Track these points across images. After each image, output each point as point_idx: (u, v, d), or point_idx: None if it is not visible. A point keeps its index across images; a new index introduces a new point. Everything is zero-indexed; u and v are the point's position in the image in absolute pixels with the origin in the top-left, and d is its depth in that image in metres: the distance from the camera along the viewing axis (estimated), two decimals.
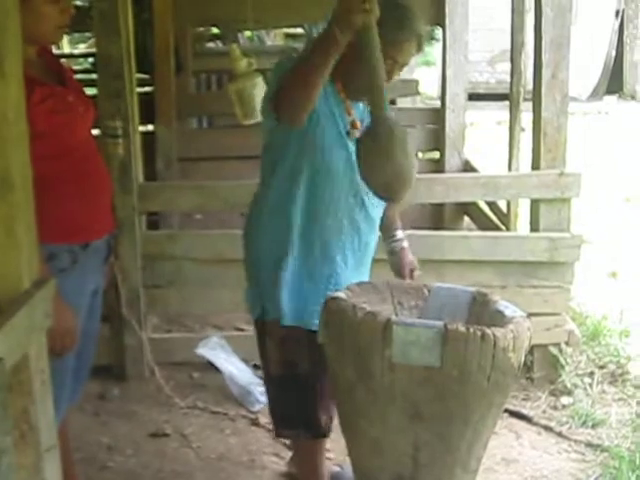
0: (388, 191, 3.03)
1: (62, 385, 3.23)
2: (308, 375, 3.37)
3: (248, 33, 11.52)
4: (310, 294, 3.31)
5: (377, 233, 3.53)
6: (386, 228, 3.69)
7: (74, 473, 3.71)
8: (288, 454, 4.13)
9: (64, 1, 3.16)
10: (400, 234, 3.70)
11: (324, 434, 3.54)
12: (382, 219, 3.58)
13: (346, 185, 3.27)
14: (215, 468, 4.23)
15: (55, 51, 11.72)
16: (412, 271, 3.63)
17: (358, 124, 3.29)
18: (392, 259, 3.69)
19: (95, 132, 4.51)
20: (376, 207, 3.41)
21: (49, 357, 2.45)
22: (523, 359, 2.93)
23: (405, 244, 3.69)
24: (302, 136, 3.20)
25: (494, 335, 2.78)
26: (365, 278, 3.48)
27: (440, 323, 2.81)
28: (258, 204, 3.41)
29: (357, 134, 3.21)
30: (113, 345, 5.02)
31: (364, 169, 3.00)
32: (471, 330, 2.76)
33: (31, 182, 2.41)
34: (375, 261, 3.61)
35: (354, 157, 3.11)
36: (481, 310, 3.22)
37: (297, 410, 3.47)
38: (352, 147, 3.21)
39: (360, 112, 3.37)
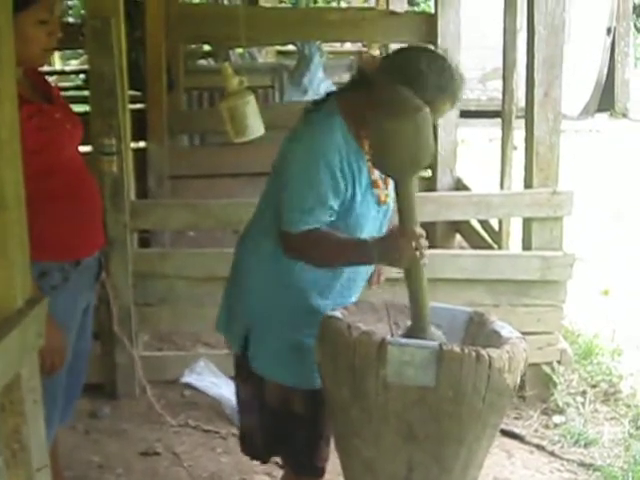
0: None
1: (53, 404, 3.22)
2: (305, 416, 3.27)
3: (240, 50, 11.53)
4: (307, 351, 3.17)
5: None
6: None
7: None
8: (280, 473, 4.10)
9: (51, 24, 3.16)
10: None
11: (318, 474, 3.42)
12: None
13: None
14: None
15: (46, 68, 11.77)
16: (380, 276, 3.57)
17: (380, 182, 3.18)
18: None
19: (86, 149, 4.52)
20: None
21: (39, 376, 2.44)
22: (519, 380, 2.92)
23: None
24: None
25: (489, 356, 2.77)
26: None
27: (435, 343, 2.80)
28: (254, 238, 3.29)
29: (382, 196, 3.19)
30: (104, 363, 5.00)
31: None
32: (466, 351, 2.76)
33: (24, 201, 2.40)
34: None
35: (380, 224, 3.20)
36: (477, 330, 3.20)
37: (294, 448, 3.34)
38: (380, 213, 3.22)
39: None
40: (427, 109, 2.84)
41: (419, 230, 2.92)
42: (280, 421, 3.28)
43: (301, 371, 3.20)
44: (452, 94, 3.04)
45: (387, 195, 3.22)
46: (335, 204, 3.04)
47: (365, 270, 3.31)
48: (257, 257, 3.24)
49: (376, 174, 3.15)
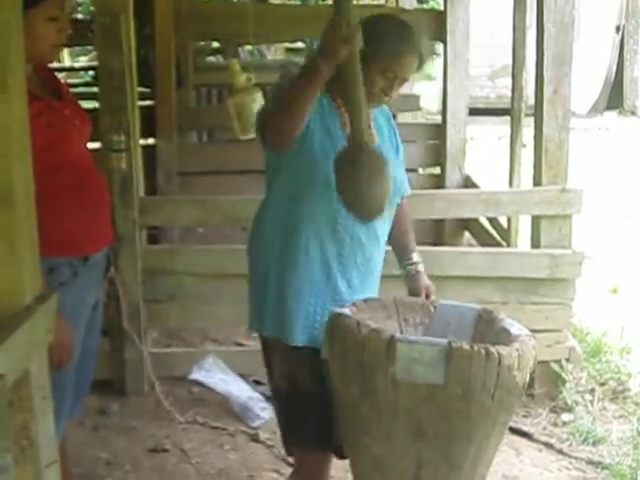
0: (362, 216, 3.11)
1: (62, 400, 3.22)
2: (312, 392, 3.33)
3: (249, 47, 11.53)
4: (315, 313, 3.27)
5: (383, 249, 3.49)
6: (401, 250, 3.65)
7: None
8: (288, 470, 4.10)
9: (61, 21, 3.16)
10: (415, 257, 3.63)
11: (331, 449, 3.42)
12: (396, 240, 3.59)
13: None
14: None
15: (55, 64, 11.77)
16: (428, 295, 3.59)
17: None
18: (408, 282, 3.64)
19: (96, 146, 4.52)
20: (382, 224, 3.39)
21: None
22: (528, 378, 2.91)
23: (421, 267, 3.61)
24: (296, 155, 3.20)
25: (499, 353, 2.76)
26: (372, 294, 3.45)
27: (444, 341, 2.80)
28: (261, 220, 3.39)
29: None
30: (113, 359, 5.00)
31: (342, 193, 3.04)
32: (475, 348, 2.75)
33: (33, 197, 2.40)
34: (382, 277, 3.59)
35: None
36: (486, 328, 3.20)
37: (302, 426, 3.38)
38: None
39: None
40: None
41: (340, 17, 2.90)
42: (289, 403, 3.37)
43: (309, 328, 3.26)
44: (413, 44, 3.20)
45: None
46: None
47: (367, 235, 3.35)
48: (264, 224, 3.36)
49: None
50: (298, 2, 17.35)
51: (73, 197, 3.26)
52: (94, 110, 5.00)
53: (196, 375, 5.00)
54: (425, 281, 3.58)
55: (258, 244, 3.38)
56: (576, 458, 4.46)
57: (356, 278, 3.33)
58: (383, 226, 3.40)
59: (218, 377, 5.00)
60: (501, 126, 10.41)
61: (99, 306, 3.55)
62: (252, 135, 4.52)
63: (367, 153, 3.02)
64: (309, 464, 3.52)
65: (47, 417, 2.41)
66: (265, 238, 3.34)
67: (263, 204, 3.42)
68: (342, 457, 3.40)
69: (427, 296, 3.54)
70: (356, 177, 2.99)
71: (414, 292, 3.58)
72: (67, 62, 15.71)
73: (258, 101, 4.50)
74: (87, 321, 3.39)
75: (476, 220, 6.79)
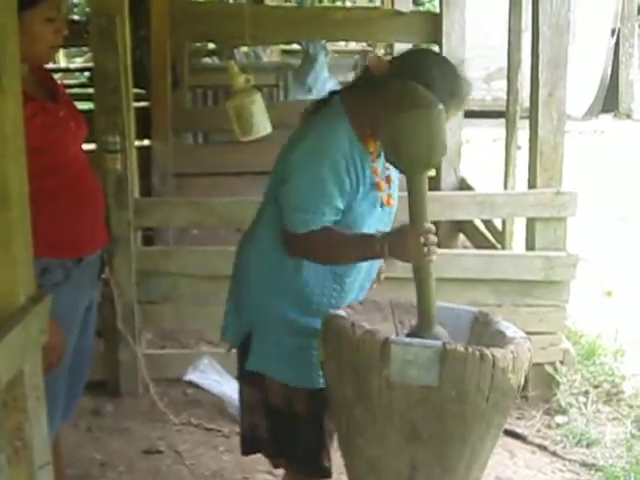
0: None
1: (56, 401, 3.22)
2: (309, 416, 3.26)
3: (245, 49, 11.53)
4: (309, 354, 3.19)
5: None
6: None
7: None
8: (281, 472, 4.09)
9: (58, 21, 3.16)
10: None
11: (326, 474, 3.38)
12: None
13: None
14: None
15: (51, 65, 11.76)
16: (380, 274, 3.56)
17: (383, 185, 3.18)
18: None
19: (91, 147, 4.52)
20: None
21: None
22: (523, 380, 2.92)
23: None
24: None
25: (493, 355, 2.76)
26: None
27: (439, 343, 2.80)
28: (251, 251, 3.28)
29: (385, 197, 3.20)
30: (107, 361, 5.00)
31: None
32: (470, 350, 2.75)
33: (27, 198, 2.40)
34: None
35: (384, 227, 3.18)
36: (482, 330, 3.20)
37: (297, 447, 3.32)
38: (384, 215, 3.23)
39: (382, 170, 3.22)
40: (441, 106, 2.85)
41: (428, 225, 2.92)
42: (284, 421, 3.28)
43: (303, 371, 3.20)
44: (460, 99, 3.03)
45: (391, 196, 3.22)
46: (341, 204, 3.04)
47: (369, 271, 3.31)
48: (258, 255, 3.24)
49: (379, 175, 3.15)
50: (294, 4, 17.38)
51: (67, 198, 3.26)
52: (89, 111, 5.00)
53: (191, 376, 4.99)
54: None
55: (253, 270, 3.28)
56: (570, 460, 4.47)
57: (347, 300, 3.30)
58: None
59: (213, 378, 4.99)
60: (496, 128, 10.40)
61: (93, 307, 3.55)
62: (252, 137, 4.54)
63: None
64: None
65: (41, 418, 2.41)
66: (257, 276, 3.25)
67: (253, 234, 3.31)
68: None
69: (379, 274, 3.49)
70: None
71: None
72: (63, 63, 15.70)
73: (257, 102, 4.50)
74: (81, 322, 3.39)
75: (471, 222, 6.79)
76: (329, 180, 2.99)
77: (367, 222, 3.14)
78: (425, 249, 2.88)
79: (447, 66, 3.05)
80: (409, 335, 3.03)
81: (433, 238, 2.91)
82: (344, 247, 3.05)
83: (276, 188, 3.16)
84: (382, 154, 3.12)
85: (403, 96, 2.85)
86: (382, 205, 3.19)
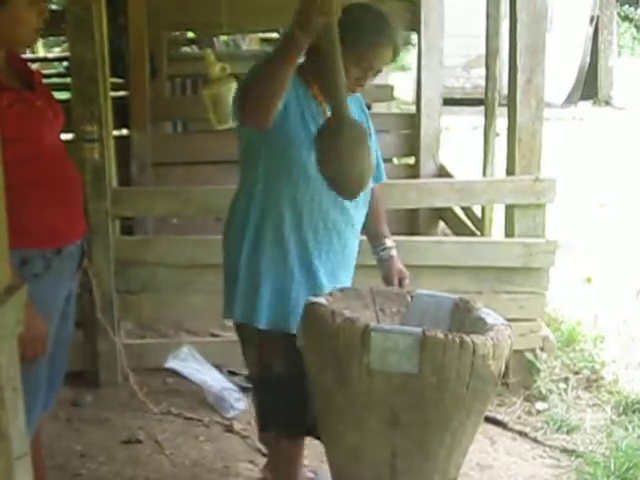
0: (344, 190, 3.09)
1: (35, 393, 3.20)
2: (284, 377, 3.35)
3: (224, 38, 11.49)
4: (287, 296, 3.31)
5: (358, 236, 3.51)
6: (374, 236, 3.68)
7: None
8: (262, 461, 4.11)
9: (40, 3, 3.15)
10: (389, 242, 3.67)
11: (305, 433, 3.51)
12: (369, 226, 3.60)
13: (320, 186, 3.23)
14: (189, 475, 4.20)
15: (29, 55, 11.68)
16: (401, 280, 3.60)
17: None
18: (381, 267, 3.66)
19: (68, 137, 4.49)
20: (357, 209, 3.40)
21: (20, 364, 2.42)
22: (503, 367, 2.92)
23: (394, 252, 3.65)
24: (272, 138, 3.20)
25: (473, 342, 2.77)
26: (346, 283, 3.46)
27: (418, 330, 2.80)
28: (235, 208, 3.41)
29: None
30: (86, 351, 4.98)
31: (324, 168, 3.03)
32: (450, 337, 2.75)
33: (3, 188, 2.38)
34: (358, 267, 3.60)
35: None
36: (463, 317, 3.21)
37: (275, 411, 3.46)
38: None
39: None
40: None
41: None
42: (263, 384, 3.44)
43: (283, 313, 3.32)
44: (389, 36, 3.21)
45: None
46: None
47: (340, 213, 3.37)
48: (239, 219, 3.37)
49: (328, 114, 3.23)
50: None
51: (46, 188, 3.24)
52: (68, 101, 4.97)
53: (171, 364, 4.97)
54: (398, 266, 3.61)
55: (232, 231, 3.40)
56: (550, 446, 4.48)
57: (332, 263, 3.34)
58: (358, 213, 3.41)
59: (193, 367, 4.98)
60: (476, 116, 10.40)
61: (72, 297, 3.53)
62: (228, 125, 4.53)
63: (348, 125, 3.01)
64: (282, 450, 3.55)
65: (18, 409, 2.39)
66: (239, 224, 3.36)
67: (237, 192, 3.43)
68: (317, 437, 3.43)
69: (400, 281, 3.56)
70: (338, 150, 2.98)
71: (387, 277, 3.60)
72: (41, 53, 15.62)
73: (233, 91, 4.49)
74: (60, 313, 3.37)
75: (450, 210, 6.80)
76: None
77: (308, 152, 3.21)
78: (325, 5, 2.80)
79: (376, 13, 3.27)
80: (323, 126, 3.08)
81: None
82: (271, 58, 3.01)
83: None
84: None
85: None
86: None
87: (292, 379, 3.31)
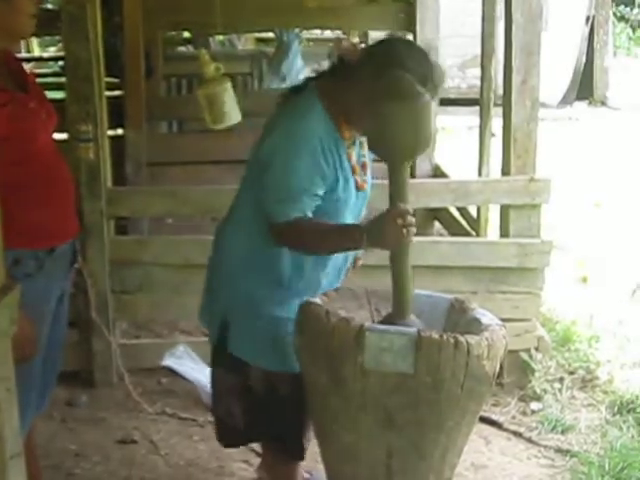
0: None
1: (29, 393, 3.20)
2: (291, 398, 3.27)
3: (220, 37, 11.48)
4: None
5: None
6: None
7: None
8: (257, 460, 4.10)
9: None
10: None
11: (302, 456, 3.45)
12: None
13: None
14: (183, 474, 4.20)
15: (24, 54, 11.69)
16: (357, 260, 3.56)
17: (358, 169, 3.19)
18: None
19: (63, 136, 4.49)
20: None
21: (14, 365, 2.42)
22: (498, 367, 2.92)
23: None
24: None
25: (467, 342, 2.77)
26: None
27: (413, 330, 2.80)
28: (229, 238, 3.31)
29: (359, 181, 3.18)
30: (81, 351, 4.97)
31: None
32: (444, 337, 2.76)
33: None
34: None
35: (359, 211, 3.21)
36: (458, 318, 3.21)
37: (280, 430, 3.35)
38: (359, 199, 3.22)
39: (358, 156, 3.23)
40: (428, 96, 2.85)
41: (405, 207, 2.91)
42: (266, 404, 3.29)
43: (286, 356, 3.20)
44: (434, 86, 2.99)
45: (365, 181, 3.22)
46: (320, 190, 3.04)
47: (346, 258, 3.31)
48: (237, 241, 3.26)
49: (354, 160, 3.15)
50: None
51: (38, 189, 3.24)
52: (62, 100, 4.97)
53: (167, 361, 4.96)
54: None
55: (227, 266, 3.32)
56: (545, 447, 4.48)
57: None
58: None
59: (189, 365, 4.97)
60: (472, 116, 10.40)
61: (66, 298, 3.53)
62: (223, 125, 4.52)
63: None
64: (282, 471, 3.52)
65: (12, 409, 2.39)
66: (234, 261, 3.27)
67: (231, 219, 3.34)
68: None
69: (356, 260, 3.49)
70: None
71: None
72: (36, 52, 15.61)
73: (228, 91, 4.49)
74: (53, 313, 3.37)
75: (446, 210, 6.79)
76: (306, 167, 3.00)
77: (346, 208, 3.16)
78: (404, 230, 2.87)
79: (420, 53, 3.02)
80: (382, 322, 3.03)
81: (411, 219, 2.90)
82: (324, 236, 3.05)
83: (252, 175, 3.17)
84: (357, 141, 3.14)
85: (388, 85, 2.84)
86: (357, 189, 3.18)
87: (300, 400, 3.25)
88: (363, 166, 3.22)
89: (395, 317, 3.02)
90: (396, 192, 2.93)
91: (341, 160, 3.10)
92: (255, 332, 3.22)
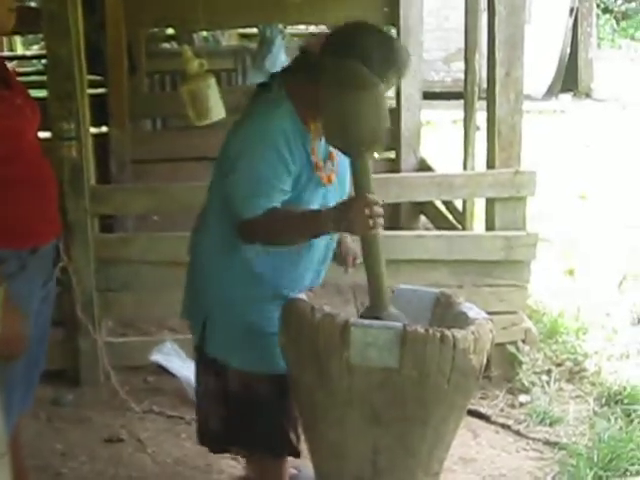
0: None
1: (12, 392, 3.18)
2: (269, 399, 3.26)
3: (204, 33, 11.45)
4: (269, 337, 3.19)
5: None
6: None
7: None
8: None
9: None
10: None
11: (295, 452, 3.41)
12: None
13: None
14: (171, 473, 4.19)
15: (7, 53, 11.62)
16: (354, 259, 3.54)
17: (321, 164, 3.15)
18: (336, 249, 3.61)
19: (46, 135, 4.46)
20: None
21: None
22: (485, 360, 2.91)
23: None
24: None
25: (453, 337, 2.76)
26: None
27: (399, 324, 2.79)
28: (204, 244, 3.31)
29: (324, 177, 3.16)
30: (67, 349, 4.95)
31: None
32: (430, 331, 2.75)
33: None
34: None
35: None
36: (445, 312, 3.20)
37: (262, 431, 3.31)
38: (329, 193, 3.19)
39: (323, 150, 3.20)
40: (382, 84, 2.85)
41: (373, 197, 2.90)
42: (244, 407, 3.26)
43: (262, 356, 3.19)
44: (399, 68, 2.99)
45: (333, 173, 3.21)
46: (286, 186, 3.03)
47: (325, 255, 3.29)
48: (210, 242, 3.26)
49: (317, 156, 3.13)
50: None
51: (22, 188, 3.22)
52: (45, 98, 4.94)
53: (155, 357, 4.94)
54: (351, 245, 3.49)
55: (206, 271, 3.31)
56: (533, 439, 4.48)
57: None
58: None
59: (176, 362, 4.96)
60: (456, 110, 10.41)
61: (49, 297, 3.51)
62: (207, 121, 4.51)
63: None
64: (268, 470, 3.50)
65: None
66: (209, 262, 3.27)
67: (203, 221, 3.34)
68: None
69: (353, 259, 3.48)
70: None
71: (341, 257, 3.51)
72: (19, 50, 15.55)
73: (212, 87, 4.47)
74: (36, 312, 3.35)
75: (432, 204, 6.79)
76: (272, 163, 2.99)
77: (312, 201, 3.13)
78: (370, 221, 2.86)
79: (382, 36, 3.00)
80: (362, 316, 3.02)
81: (378, 209, 2.88)
82: (291, 225, 3.04)
83: (220, 174, 3.16)
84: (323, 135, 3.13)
85: (344, 76, 2.84)
86: (323, 185, 3.16)
87: (279, 395, 3.25)
88: (330, 157, 3.19)
89: (374, 309, 3.01)
90: (360, 182, 2.93)
91: (307, 154, 3.09)
92: (229, 332, 3.21)
